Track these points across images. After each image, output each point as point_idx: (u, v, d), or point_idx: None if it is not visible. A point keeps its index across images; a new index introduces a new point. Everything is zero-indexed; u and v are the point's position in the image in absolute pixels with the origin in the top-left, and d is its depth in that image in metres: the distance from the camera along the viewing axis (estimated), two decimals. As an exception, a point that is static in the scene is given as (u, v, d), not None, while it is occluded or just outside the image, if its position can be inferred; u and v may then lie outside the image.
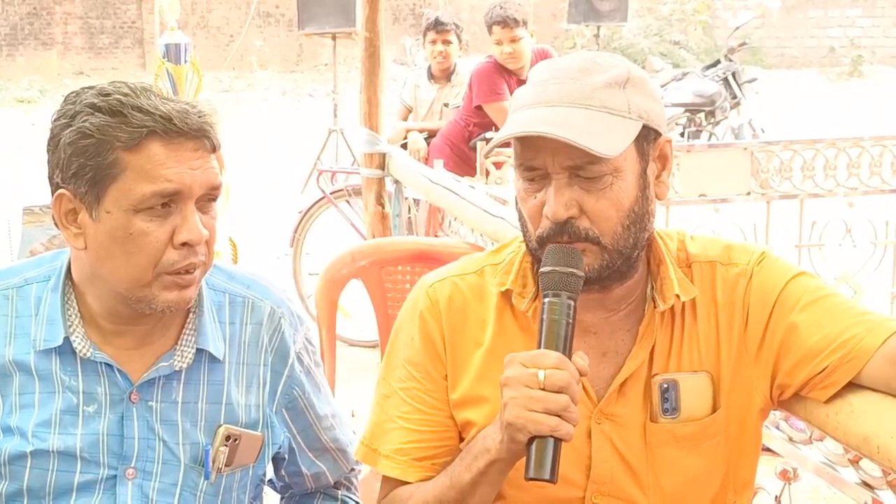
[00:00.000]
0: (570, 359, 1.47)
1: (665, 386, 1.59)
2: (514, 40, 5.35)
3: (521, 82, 5.35)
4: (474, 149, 5.24)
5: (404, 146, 5.76)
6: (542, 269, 1.52)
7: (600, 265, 1.54)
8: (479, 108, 5.46)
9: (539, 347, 1.48)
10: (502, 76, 5.42)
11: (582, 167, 1.50)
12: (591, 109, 1.50)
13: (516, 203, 1.61)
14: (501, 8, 5.35)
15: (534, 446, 1.43)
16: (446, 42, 6.07)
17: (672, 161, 1.61)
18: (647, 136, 1.55)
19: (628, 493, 1.60)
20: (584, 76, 1.52)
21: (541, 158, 1.52)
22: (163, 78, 3.95)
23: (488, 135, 5.28)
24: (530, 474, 1.43)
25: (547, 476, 1.42)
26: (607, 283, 1.57)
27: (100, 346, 1.63)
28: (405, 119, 6.26)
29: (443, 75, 6.17)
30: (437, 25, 6.11)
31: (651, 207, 1.58)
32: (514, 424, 1.44)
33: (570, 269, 1.50)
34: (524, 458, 1.45)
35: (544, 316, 1.50)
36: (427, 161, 5.49)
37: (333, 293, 2.76)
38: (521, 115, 1.53)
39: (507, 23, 5.31)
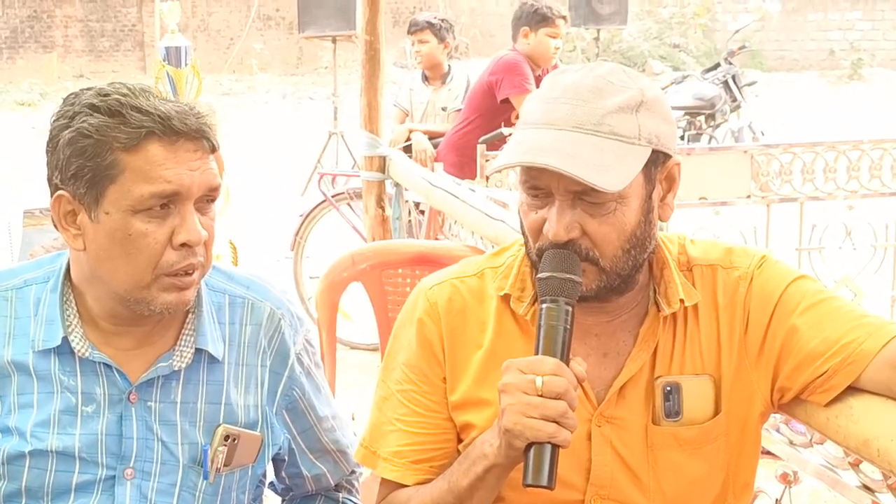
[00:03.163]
0: (567, 364, 1.47)
1: (668, 388, 1.59)
2: (561, 36, 5.49)
3: (537, 78, 5.35)
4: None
5: (407, 148, 5.75)
6: (539, 275, 1.52)
7: (598, 285, 1.54)
8: (505, 101, 5.38)
9: (537, 353, 1.48)
10: (529, 68, 5.42)
11: (586, 192, 1.48)
12: (600, 136, 1.48)
13: (518, 210, 1.60)
14: (551, 4, 5.42)
15: (531, 452, 1.43)
16: (422, 42, 6.09)
17: (679, 182, 1.60)
18: (656, 160, 1.53)
19: (629, 496, 1.60)
20: (596, 98, 1.50)
21: (545, 179, 1.51)
22: (163, 81, 3.96)
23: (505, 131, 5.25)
24: (528, 480, 1.43)
25: (545, 482, 1.42)
26: (605, 299, 1.57)
27: (98, 346, 1.63)
28: (402, 123, 6.24)
29: (436, 77, 6.15)
30: (411, 26, 6.18)
31: (653, 230, 1.57)
32: (511, 431, 1.44)
33: (568, 275, 1.50)
34: (522, 463, 1.45)
35: (542, 322, 1.49)
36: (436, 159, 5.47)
37: (334, 296, 2.76)
38: (527, 135, 1.51)
39: (566, 20, 5.49)
